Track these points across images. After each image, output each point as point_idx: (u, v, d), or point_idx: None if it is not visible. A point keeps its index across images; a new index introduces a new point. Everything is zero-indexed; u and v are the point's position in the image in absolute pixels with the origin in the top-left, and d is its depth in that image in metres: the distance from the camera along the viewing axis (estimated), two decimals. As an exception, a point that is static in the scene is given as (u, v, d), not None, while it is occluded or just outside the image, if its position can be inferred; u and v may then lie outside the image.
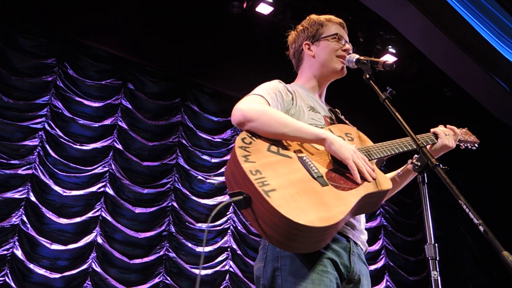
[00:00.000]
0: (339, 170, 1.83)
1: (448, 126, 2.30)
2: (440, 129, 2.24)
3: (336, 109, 2.25)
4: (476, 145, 2.45)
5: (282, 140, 1.85)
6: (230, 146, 7.31)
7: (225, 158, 7.22)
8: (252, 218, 1.68)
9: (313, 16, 2.30)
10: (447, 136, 2.21)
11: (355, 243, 1.89)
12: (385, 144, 2.04)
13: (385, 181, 1.86)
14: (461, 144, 2.39)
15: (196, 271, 6.49)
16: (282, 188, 1.65)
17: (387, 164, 2.41)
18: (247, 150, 1.74)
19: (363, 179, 1.81)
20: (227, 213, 6.96)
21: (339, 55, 2.17)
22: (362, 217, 2.01)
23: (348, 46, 2.20)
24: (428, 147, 2.17)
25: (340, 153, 1.80)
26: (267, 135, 1.82)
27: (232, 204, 1.69)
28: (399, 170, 2.21)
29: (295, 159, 1.80)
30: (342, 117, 2.21)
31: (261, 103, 1.90)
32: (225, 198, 7.02)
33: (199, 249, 6.64)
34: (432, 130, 2.25)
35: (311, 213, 1.61)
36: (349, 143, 1.93)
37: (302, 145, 1.88)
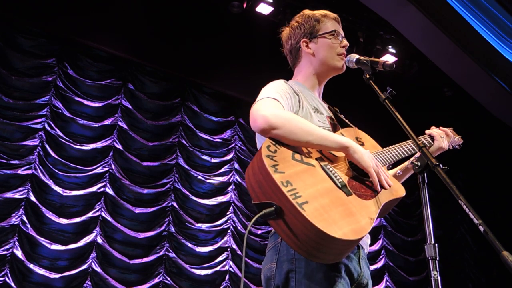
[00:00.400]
0: (359, 178, 1.84)
1: (441, 128, 2.31)
2: (435, 131, 2.26)
3: (335, 108, 2.24)
4: (461, 145, 2.46)
5: (302, 147, 1.83)
6: (230, 146, 7.31)
7: (224, 158, 7.22)
8: (280, 228, 1.65)
9: (307, 12, 2.25)
10: (442, 138, 2.23)
11: (362, 247, 1.90)
12: (392, 148, 2.06)
13: (399, 187, 1.90)
14: (449, 145, 2.39)
15: (197, 271, 6.50)
16: (313, 199, 1.64)
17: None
18: (274, 160, 1.70)
19: (382, 186, 1.84)
20: (227, 213, 6.96)
21: (339, 52, 2.15)
22: None
23: (346, 42, 2.18)
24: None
25: (362, 161, 1.81)
26: (291, 143, 1.79)
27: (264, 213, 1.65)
28: (398, 170, 2.22)
29: (318, 168, 1.79)
30: (342, 116, 2.21)
31: (279, 108, 1.86)
32: (225, 198, 7.02)
33: (198, 249, 6.64)
34: (427, 132, 2.27)
35: (343, 225, 1.61)
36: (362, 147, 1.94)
37: (321, 152, 1.86)
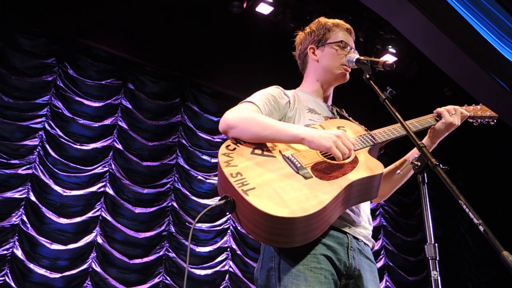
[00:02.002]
0: (326, 162, 1.82)
1: (453, 106, 2.27)
2: (444, 108, 2.22)
3: (342, 109, 2.26)
4: (495, 120, 2.41)
5: (266, 143, 1.86)
6: (230, 146, 7.30)
7: (225, 158, 7.21)
8: (238, 220, 1.71)
9: (322, 20, 2.29)
10: (453, 115, 2.20)
11: (356, 238, 1.88)
12: (378, 130, 2.05)
13: (376, 165, 1.85)
14: (474, 120, 2.36)
15: (197, 271, 6.50)
16: (263, 185, 1.67)
17: (390, 154, 2.39)
18: (229, 156, 1.79)
19: (353, 163, 1.81)
20: (227, 213, 6.95)
21: (343, 63, 2.16)
22: (365, 211, 2.00)
23: (353, 54, 2.17)
24: (430, 130, 2.20)
25: (321, 146, 1.78)
26: (250, 140, 1.85)
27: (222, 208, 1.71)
28: (393, 166, 2.21)
29: (279, 158, 1.81)
30: (346, 114, 2.22)
31: (250, 109, 1.93)
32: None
33: (198, 249, 6.64)
34: (435, 110, 2.24)
35: (291, 204, 1.61)
36: None
37: (289, 144, 1.88)
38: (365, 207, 2.02)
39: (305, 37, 2.27)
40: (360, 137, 1.97)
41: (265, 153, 1.83)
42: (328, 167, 1.80)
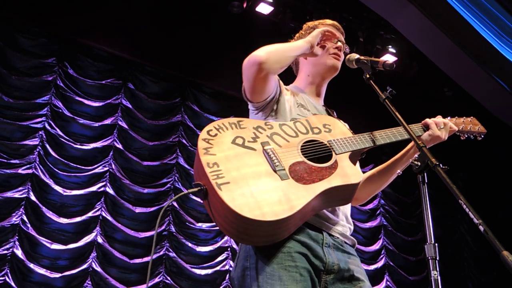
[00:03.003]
0: (305, 164, 1.80)
1: (442, 119, 2.21)
2: (433, 120, 2.17)
3: (332, 110, 2.25)
4: (482, 135, 2.36)
5: (252, 130, 1.84)
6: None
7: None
8: (210, 211, 1.70)
9: (308, 22, 2.35)
10: (441, 129, 2.14)
11: (331, 235, 1.86)
12: (363, 135, 1.99)
13: (355, 173, 1.82)
14: (462, 134, 2.32)
15: (197, 271, 6.50)
16: (238, 181, 1.65)
17: (389, 154, 2.37)
18: (209, 143, 1.74)
19: (331, 168, 1.79)
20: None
21: (331, 52, 2.19)
22: (341, 209, 1.97)
23: (340, 44, 2.20)
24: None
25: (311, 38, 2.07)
26: (283, 62, 1.98)
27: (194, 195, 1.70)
28: (398, 171, 2.19)
29: (259, 152, 1.79)
30: (336, 116, 2.21)
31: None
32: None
33: (198, 248, 6.64)
34: (424, 121, 2.18)
35: (263, 206, 1.60)
36: (326, 134, 1.93)
37: (271, 137, 1.85)
38: (343, 206, 1.99)
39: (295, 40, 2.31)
40: (342, 139, 1.93)
41: (246, 143, 1.79)
42: (306, 169, 1.78)
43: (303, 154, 1.83)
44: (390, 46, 7.27)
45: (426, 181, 1.68)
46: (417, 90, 7.85)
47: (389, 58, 7.24)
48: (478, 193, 8.39)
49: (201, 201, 1.74)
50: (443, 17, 6.10)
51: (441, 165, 1.59)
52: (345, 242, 1.91)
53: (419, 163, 1.68)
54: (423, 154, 1.67)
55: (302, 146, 1.86)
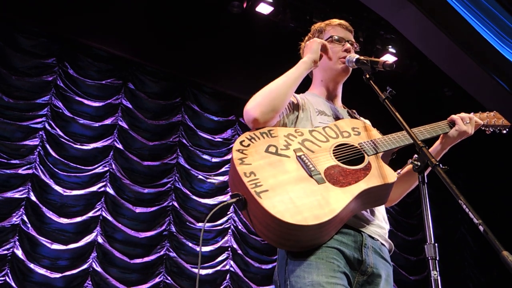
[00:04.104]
0: (340, 167, 1.82)
1: (467, 114, 2.25)
2: (457, 115, 2.20)
3: (353, 110, 2.26)
4: (507, 129, 2.40)
5: (283, 138, 1.86)
6: (231, 146, 7.30)
7: (225, 157, 7.22)
8: (249, 219, 1.72)
9: (316, 24, 2.34)
10: (467, 123, 2.17)
11: (371, 237, 1.86)
12: (392, 136, 2.02)
13: (389, 173, 1.84)
14: (487, 129, 2.35)
15: (197, 271, 6.50)
16: (276, 188, 1.67)
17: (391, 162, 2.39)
18: (244, 153, 1.77)
19: (366, 170, 1.81)
20: (228, 212, 6.96)
21: (340, 56, 2.18)
22: (379, 210, 1.98)
23: (348, 45, 2.20)
24: (442, 136, 2.18)
25: (308, 52, 2.05)
26: (280, 105, 1.91)
27: (233, 205, 1.72)
28: (398, 170, 2.20)
29: (293, 159, 1.81)
30: (357, 116, 2.22)
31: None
32: (226, 198, 7.02)
33: (199, 248, 6.64)
34: (450, 117, 2.21)
35: (304, 211, 1.62)
36: (356, 137, 1.95)
37: (303, 143, 1.88)
38: (380, 207, 2.01)
39: (304, 45, 2.31)
40: (373, 141, 1.96)
41: (280, 151, 1.82)
42: (341, 172, 1.80)
43: (336, 158, 1.85)
44: (390, 46, 7.27)
45: (426, 181, 1.68)
46: (417, 90, 7.85)
47: (389, 58, 7.24)
48: (478, 193, 8.39)
49: (239, 211, 1.77)
50: (443, 17, 6.09)
51: (441, 165, 1.59)
52: (383, 245, 1.91)
53: (419, 163, 1.69)
54: (423, 154, 1.68)
55: (334, 150, 1.88)
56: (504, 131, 2.42)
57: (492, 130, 2.38)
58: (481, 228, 1.35)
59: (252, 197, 1.64)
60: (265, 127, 1.90)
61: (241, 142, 1.81)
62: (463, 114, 2.21)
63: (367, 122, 2.30)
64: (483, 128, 2.33)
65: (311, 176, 1.75)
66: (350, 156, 1.88)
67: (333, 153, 1.87)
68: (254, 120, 1.88)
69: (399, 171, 2.18)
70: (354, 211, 1.79)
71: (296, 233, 1.63)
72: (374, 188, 1.78)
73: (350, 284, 1.75)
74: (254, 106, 1.89)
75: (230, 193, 1.77)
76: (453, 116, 2.19)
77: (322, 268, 1.69)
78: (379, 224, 1.93)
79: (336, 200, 1.68)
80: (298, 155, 1.82)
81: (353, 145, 1.92)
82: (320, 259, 1.71)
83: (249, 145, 1.81)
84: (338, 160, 1.84)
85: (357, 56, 2.10)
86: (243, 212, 1.73)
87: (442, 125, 2.17)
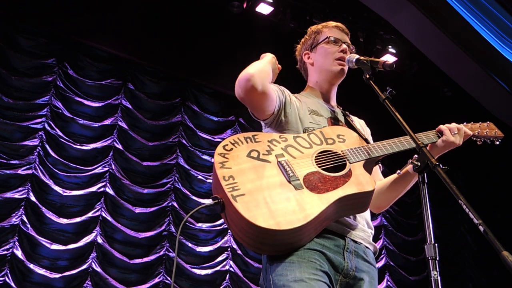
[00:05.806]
0: (320, 174, 1.83)
1: (456, 125, 2.20)
2: (447, 126, 2.16)
3: (347, 112, 2.26)
4: (499, 140, 2.36)
5: (266, 143, 1.89)
6: (230, 146, 7.30)
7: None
8: (227, 223, 1.75)
9: (313, 26, 2.36)
10: (455, 134, 2.14)
11: (354, 241, 1.88)
12: (383, 142, 2.02)
13: (368, 181, 1.84)
14: (478, 139, 2.32)
15: (197, 271, 6.50)
16: (253, 193, 1.70)
17: (387, 164, 2.39)
18: (225, 157, 1.80)
19: (346, 177, 1.81)
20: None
21: (336, 57, 2.19)
22: (363, 216, 1.99)
23: (345, 46, 2.20)
24: (429, 145, 2.13)
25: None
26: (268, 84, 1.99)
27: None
28: (398, 171, 2.20)
29: (274, 164, 1.83)
30: (350, 119, 2.21)
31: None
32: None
33: (199, 249, 6.64)
34: (438, 127, 2.17)
35: (278, 216, 1.64)
36: (340, 144, 1.96)
37: (286, 149, 1.89)
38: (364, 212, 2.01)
39: (301, 47, 2.35)
40: (356, 149, 1.96)
41: (261, 156, 1.84)
42: (320, 178, 1.81)
43: (317, 165, 1.86)
44: (390, 46, 7.27)
45: (426, 181, 1.68)
46: (417, 90, 7.85)
47: (389, 58, 7.23)
48: (478, 193, 8.39)
49: (219, 214, 1.80)
50: (443, 17, 6.10)
51: (441, 165, 1.59)
52: (367, 248, 1.93)
53: (419, 163, 1.69)
54: (423, 154, 1.67)
55: (316, 156, 1.89)
56: (497, 142, 2.37)
57: (483, 140, 2.34)
58: (481, 228, 1.35)
59: (228, 200, 1.67)
60: (249, 132, 1.93)
61: (224, 146, 1.85)
62: (452, 125, 2.17)
63: (361, 121, 2.31)
64: (474, 138, 2.29)
65: (289, 181, 1.76)
66: (333, 163, 1.88)
67: (316, 159, 1.88)
68: (252, 87, 1.97)
69: (399, 171, 2.18)
70: (332, 218, 1.80)
71: (270, 238, 1.65)
72: (352, 195, 1.79)
73: (332, 284, 1.76)
74: (257, 71, 2.04)
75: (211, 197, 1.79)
76: (441, 126, 2.15)
77: (304, 266, 1.71)
78: (362, 228, 1.95)
79: (311, 206, 1.69)
80: (279, 161, 1.83)
81: (336, 152, 1.92)
82: (302, 259, 1.73)
83: (231, 149, 1.84)
84: (320, 167, 1.85)
85: (357, 56, 2.10)
86: (222, 215, 1.77)
87: (430, 134, 2.15)
